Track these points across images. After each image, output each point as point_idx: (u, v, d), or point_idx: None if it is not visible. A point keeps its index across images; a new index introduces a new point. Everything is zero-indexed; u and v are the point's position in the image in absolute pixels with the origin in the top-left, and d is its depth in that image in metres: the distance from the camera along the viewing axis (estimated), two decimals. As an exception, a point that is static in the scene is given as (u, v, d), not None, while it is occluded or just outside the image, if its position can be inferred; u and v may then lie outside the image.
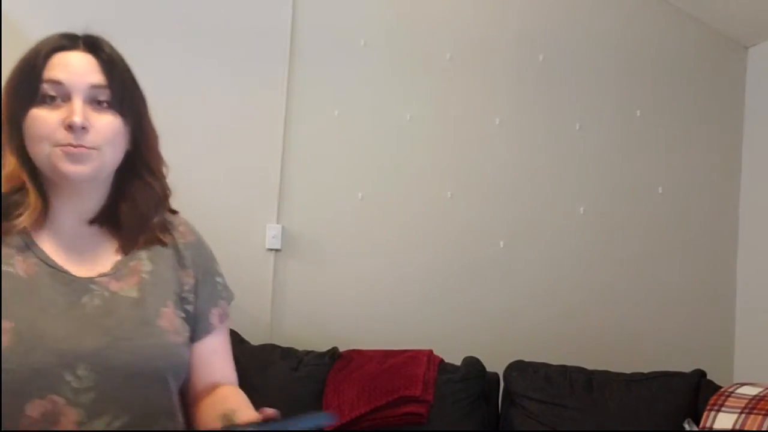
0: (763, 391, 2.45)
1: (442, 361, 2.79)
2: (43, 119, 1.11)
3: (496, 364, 2.82)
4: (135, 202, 1.20)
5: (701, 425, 2.50)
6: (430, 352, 2.80)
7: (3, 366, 1.03)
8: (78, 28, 1.17)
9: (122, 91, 1.16)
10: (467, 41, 3.18)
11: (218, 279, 1.29)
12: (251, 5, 3.03)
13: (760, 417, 2.35)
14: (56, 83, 1.12)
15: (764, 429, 2.31)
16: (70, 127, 1.10)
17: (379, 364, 2.74)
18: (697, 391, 2.73)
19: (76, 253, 1.17)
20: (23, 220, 1.12)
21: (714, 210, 3.34)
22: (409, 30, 3.15)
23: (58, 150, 1.10)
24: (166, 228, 1.24)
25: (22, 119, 1.12)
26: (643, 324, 3.22)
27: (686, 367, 2.84)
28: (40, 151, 1.11)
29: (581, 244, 3.22)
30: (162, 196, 1.23)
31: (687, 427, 2.58)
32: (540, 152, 3.21)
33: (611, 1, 3.30)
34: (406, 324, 3.07)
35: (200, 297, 1.25)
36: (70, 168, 1.11)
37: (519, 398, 2.76)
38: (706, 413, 2.51)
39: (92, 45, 1.16)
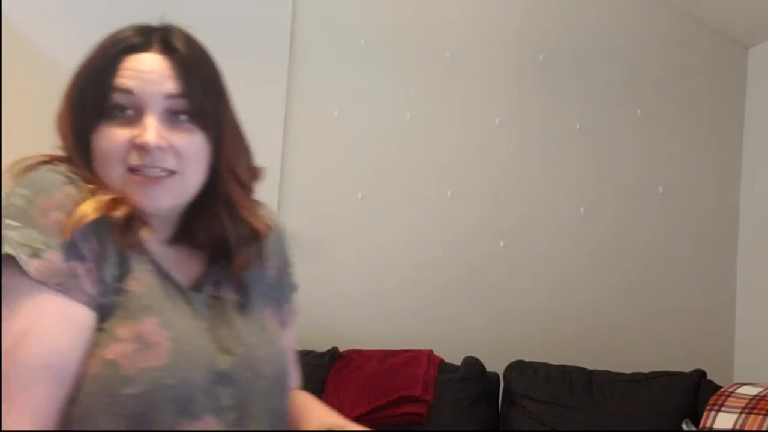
0: (763, 391, 2.44)
1: (442, 361, 2.79)
2: (113, 138, 0.94)
3: (496, 364, 2.82)
4: (210, 232, 1.02)
5: (701, 425, 2.49)
6: (430, 352, 2.80)
7: (161, 381, 0.89)
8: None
9: (203, 101, 0.98)
10: (467, 41, 3.18)
11: (291, 270, 1.16)
12: (251, 5, 3.03)
13: (760, 417, 2.35)
14: (127, 92, 0.95)
15: (764, 429, 2.31)
16: (142, 148, 0.93)
17: (379, 364, 2.74)
18: (697, 391, 2.73)
19: (165, 266, 1.01)
20: (144, 233, 0.96)
21: (714, 210, 3.33)
22: (409, 30, 3.15)
23: (131, 178, 0.94)
24: (256, 250, 1.06)
25: (89, 135, 0.95)
26: (643, 324, 3.22)
27: (686, 367, 2.84)
28: (112, 175, 0.95)
29: (581, 244, 3.22)
30: (237, 234, 1.03)
31: (685, 427, 2.58)
32: (540, 152, 3.21)
33: (611, 1, 3.30)
34: (406, 324, 3.07)
35: (280, 291, 1.12)
36: (146, 204, 0.95)
37: (519, 398, 2.76)
38: (706, 413, 2.51)
39: (167, 43, 1.00)
